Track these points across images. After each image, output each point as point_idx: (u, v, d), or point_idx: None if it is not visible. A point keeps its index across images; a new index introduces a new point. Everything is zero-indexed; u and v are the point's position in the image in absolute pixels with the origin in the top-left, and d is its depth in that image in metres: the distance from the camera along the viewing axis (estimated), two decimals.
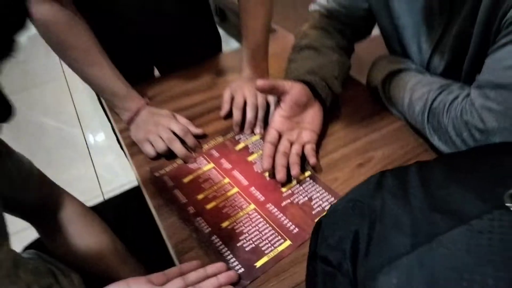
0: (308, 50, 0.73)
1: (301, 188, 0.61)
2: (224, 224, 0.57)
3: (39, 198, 0.62)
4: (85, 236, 0.64)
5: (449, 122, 0.56)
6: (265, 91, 0.64)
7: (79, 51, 0.67)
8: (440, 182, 0.30)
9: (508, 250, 0.25)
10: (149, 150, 0.68)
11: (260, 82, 0.62)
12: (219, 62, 0.96)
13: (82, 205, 0.68)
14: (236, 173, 0.65)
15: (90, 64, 0.69)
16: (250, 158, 0.67)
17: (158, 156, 0.69)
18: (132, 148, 0.72)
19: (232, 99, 0.76)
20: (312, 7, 0.83)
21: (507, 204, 0.27)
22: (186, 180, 0.64)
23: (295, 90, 0.65)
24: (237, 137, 0.72)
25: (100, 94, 0.75)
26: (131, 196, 0.78)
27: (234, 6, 1.55)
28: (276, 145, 0.64)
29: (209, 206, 0.60)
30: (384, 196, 0.30)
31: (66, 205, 0.65)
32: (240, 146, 0.70)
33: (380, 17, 0.73)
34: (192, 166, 0.67)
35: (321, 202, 0.58)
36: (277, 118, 0.66)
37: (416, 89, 0.63)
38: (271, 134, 0.64)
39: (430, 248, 0.26)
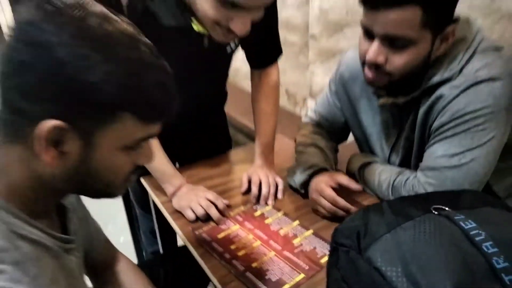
0: (314, 148, 1.02)
1: (307, 240, 0.84)
2: (254, 265, 0.78)
3: (102, 255, 0.80)
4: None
5: (406, 193, 0.84)
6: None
7: None
8: (398, 205, 0.56)
9: (432, 233, 0.50)
10: (191, 215, 0.90)
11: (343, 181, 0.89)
12: (231, 156, 1.24)
13: (131, 261, 0.86)
14: (257, 231, 0.87)
15: None
16: (267, 221, 0.91)
17: (196, 219, 0.91)
18: (174, 214, 0.94)
19: (249, 181, 1.01)
20: (304, 119, 1.16)
21: (433, 211, 0.53)
22: (220, 236, 0.86)
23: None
24: (254, 207, 0.96)
25: (152, 172, 0.99)
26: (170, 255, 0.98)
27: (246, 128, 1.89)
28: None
29: (240, 253, 0.81)
30: (369, 214, 0.56)
31: (119, 261, 0.83)
32: (258, 213, 0.94)
33: (353, 127, 1.05)
34: (223, 226, 0.89)
35: (322, 249, 0.81)
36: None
37: (382, 174, 0.92)
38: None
39: (395, 232, 0.50)
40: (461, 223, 0.50)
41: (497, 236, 0.47)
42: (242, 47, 1.04)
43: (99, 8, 0.46)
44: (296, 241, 0.84)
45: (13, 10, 0.41)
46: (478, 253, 0.46)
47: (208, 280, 0.82)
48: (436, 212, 0.53)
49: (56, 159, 0.45)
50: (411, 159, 0.91)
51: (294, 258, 0.79)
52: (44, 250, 0.50)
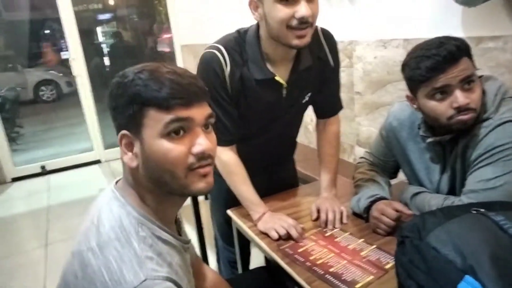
0: (372, 182, 1.24)
1: (372, 252, 1.03)
2: (331, 270, 0.98)
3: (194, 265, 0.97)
4: None
5: None
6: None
7: (238, 176, 1.20)
8: (446, 209, 0.77)
9: (472, 223, 0.70)
10: (274, 234, 1.13)
11: (399, 207, 1.09)
12: (299, 191, 1.48)
13: (219, 275, 1.08)
14: (330, 246, 1.08)
15: (242, 183, 1.21)
16: (336, 240, 1.12)
17: (278, 239, 1.13)
18: (259, 235, 1.17)
19: (318, 210, 1.23)
20: (360, 160, 1.39)
21: (472, 211, 0.74)
22: (300, 250, 1.08)
23: None
24: (324, 230, 1.17)
25: (242, 201, 1.23)
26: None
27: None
28: None
29: (318, 262, 1.02)
30: (425, 215, 0.77)
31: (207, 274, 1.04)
32: (328, 234, 1.15)
33: (403, 165, 1.27)
34: (301, 243, 1.11)
35: (385, 258, 1.00)
36: None
37: (431, 200, 1.10)
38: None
39: (445, 224, 0.71)
40: (493, 217, 0.70)
41: None
42: (313, 101, 1.32)
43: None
44: (363, 253, 1.04)
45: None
46: (505, 235, 0.66)
47: None
48: (475, 212, 0.74)
49: (133, 160, 0.68)
50: (455, 189, 1.11)
51: (363, 265, 0.99)
52: (172, 247, 0.72)
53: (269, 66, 1.16)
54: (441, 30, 1.45)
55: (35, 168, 4.04)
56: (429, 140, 1.09)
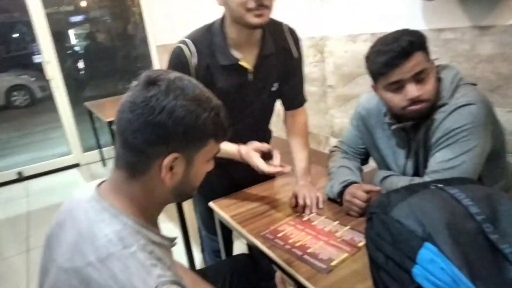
0: (344, 168, 1.32)
1: (347, 233, 1.11)
2: (308, 250, 1.05)
3: None
4: None
5: None
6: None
7: None
8: (408, 186, 0.85)
9: (431, 196, 0.78)
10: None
11: (369, 187, 1.19)
12: (277, 181, 1.54)
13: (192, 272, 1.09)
14: (307, 229, 1.15)
15: None
16: (313, 223, 1.19)
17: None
18: (241, 224, 1.23)
19: (295, 197, 1.30)
20: (332, 149, 1.47)
21: (431, 187, 0.81)
22: (279, 235, 1.14)
23: None
24: (301, 215, 1.24)
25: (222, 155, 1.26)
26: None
27: None
28: None
29: (296, 244, 1.09)
30: (390, 193, 0.85)
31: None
32: (305, 218, 1.22)
33: (372, 151, 1.35)
34: (280, 228, 1.17)
35: (358, 238, 1.08)
36: None
37: (399, 182, 1.18)
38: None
39: (407, 199, 0.79)
40: (449, 190, 0.78)
41: (471, 195, 0.76)
42: (280, 93, 1.40)
43: (185, 78, 0.72)
44: (338, 234, 1.11)
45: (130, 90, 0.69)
46: (459, 205, 0.74)
47: (273, 272, 1.09)
48: (434, 187, 0.82)
49: (170, 178, 0.72)
50: (419, 171, 1.19)
51: (339, 245, 1.06)
52: (164, 248, 0.76)
53: (234, 53, 1.25)
54: (405, 23, 1.54)
55: (11, 174, 3.97)
56: (394, 127, 1.17)
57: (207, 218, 1.48)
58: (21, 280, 2.36)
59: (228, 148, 1.27)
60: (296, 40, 1.37)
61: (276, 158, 1.19)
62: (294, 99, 1.46)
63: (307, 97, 1.51)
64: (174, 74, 0.72)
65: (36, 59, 4.29)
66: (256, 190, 1.45)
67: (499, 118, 1.16)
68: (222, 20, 1.26)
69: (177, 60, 1.25)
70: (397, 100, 1.07)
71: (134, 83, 0.71)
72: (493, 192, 0.78)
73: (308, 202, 1.26)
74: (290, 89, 1.42)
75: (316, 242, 1.09)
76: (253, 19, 1.13)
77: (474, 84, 1.12)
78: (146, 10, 4.29)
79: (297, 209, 1.27)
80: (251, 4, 1.11)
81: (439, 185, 0.83)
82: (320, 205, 1.28)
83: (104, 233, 0.68)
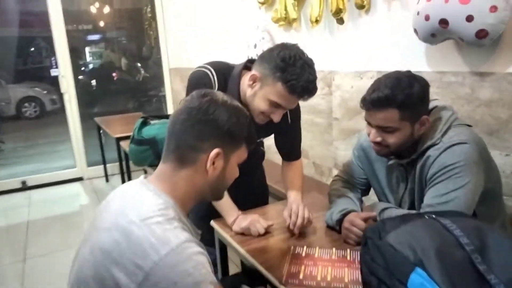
0: (345, 198, 1.37)
1: (340, 253, 1.14)
2: (346, 280, 1.08)
3: None
4: None
5: None
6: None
7: None
8: (403, 216, 0.89)
9: (423, 225, 0.83)
10: (255, 231, 1.26)
11: (366, 215, 1.22)
12: (271, 207, 1.58)
13: None
14: (318, 262, 1.18)
15: None
16: (315, 255, 1.22)
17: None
18: (240, 244, 1.26)
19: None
20: (334, 177, 1.52)
21: (425, 217, 0.86)
22: (301, 277, 1.17)
23: None
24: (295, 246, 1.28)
25: (216, 206, 1.33)
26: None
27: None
28: None
29: (329, 278, 1.12)
30: (386, 220, 0.89)
31: None
32: (303, 254, 1.25)
33: (372, 182, 1.40)
34: (294, 270, 1.18)
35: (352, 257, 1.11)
36: None
37: (398, 213, 1.24)
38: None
39: (402, 227, 0.84)
40: (442, 221, 0.83)
41: (462, 226, 0.80)
42: (277, 144, 1.54)
43: (226, 94, 0.91)
44: (348, 258, 1.14)
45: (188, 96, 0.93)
46: (450, 234, 0.79)
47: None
48: (427, 217, 0.86)
49: (213, 171, 0.86)
50: (415, 203, 1.24)
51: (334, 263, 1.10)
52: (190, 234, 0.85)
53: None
54: (410, 64, 1.63)
55: (15, 183, 4.02)
56: (390, 162, 1.24)
57: (206, 231, 1.51)
58: None
59: (224, 200, 1.32)
60: (295, 108, 1.38)
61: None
62: (291, 154, 1.54)
63: (313, 127, 1.58)
64: (218, 92, 0.91)
65: (53, 72, 4.41)
66: (257, 212, 1.48)
67: (496, 161, 1.22)
68: (240, 74, 1.30)
69: (201, 83, 1.28)
70: (367, 133, 1.21)
71: (188, 97, 0.90)
72: (483, 225, 0.82)
73: (299, 221, 1.27)
74: (286, 144, 1.52)
75: (342, 269, 1.09)
76: (258, 118, 1.25)
77: (469, 126, 1.18)
78: (162, 34, 4.46)
79: (290, 223, 1.29)
80: (267, 111, 1.21)
81: (433, 215, 0.87)
82: (311, 218, 1.31)
83: (147, 204, 0.81)
